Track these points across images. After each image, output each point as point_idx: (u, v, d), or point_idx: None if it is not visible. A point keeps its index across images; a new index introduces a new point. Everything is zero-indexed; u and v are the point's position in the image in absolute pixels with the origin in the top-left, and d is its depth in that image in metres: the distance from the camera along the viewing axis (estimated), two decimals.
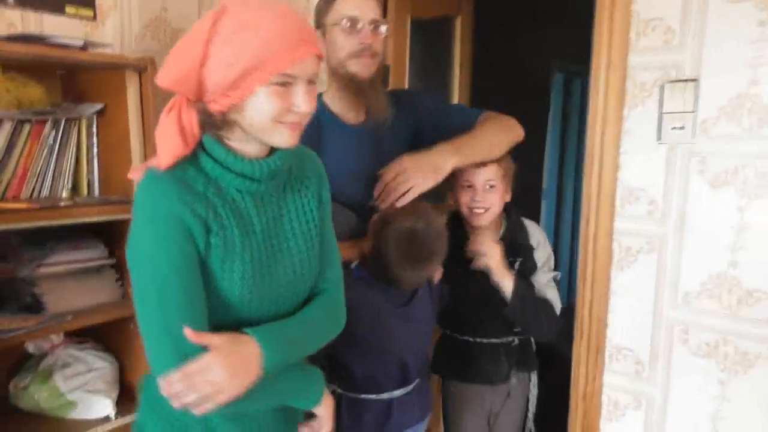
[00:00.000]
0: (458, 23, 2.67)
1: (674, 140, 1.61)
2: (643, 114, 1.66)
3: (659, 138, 1.63)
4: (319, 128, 1.53)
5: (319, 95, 1.62)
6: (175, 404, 0.94)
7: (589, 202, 1.76)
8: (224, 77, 0.91)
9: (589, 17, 1.74)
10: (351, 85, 1.51)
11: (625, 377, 1.74)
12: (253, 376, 0.97)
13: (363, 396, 1.49)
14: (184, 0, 1.95)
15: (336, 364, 1.47)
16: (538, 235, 1.70)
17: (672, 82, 1.60)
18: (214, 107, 0.95)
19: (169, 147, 0.95)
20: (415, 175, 1.49)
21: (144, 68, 1.57)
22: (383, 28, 1.51)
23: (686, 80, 1.58)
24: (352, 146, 1.55)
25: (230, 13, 0.91)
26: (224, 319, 0.99)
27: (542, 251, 1.68)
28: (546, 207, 4.16)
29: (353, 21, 1.47)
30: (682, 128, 1.60)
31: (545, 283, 1.67)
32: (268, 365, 0.98)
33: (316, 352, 1.14)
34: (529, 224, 1.72)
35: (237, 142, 1.00)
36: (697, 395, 1.62)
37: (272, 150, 1.04)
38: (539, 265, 1.66)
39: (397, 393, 1.51)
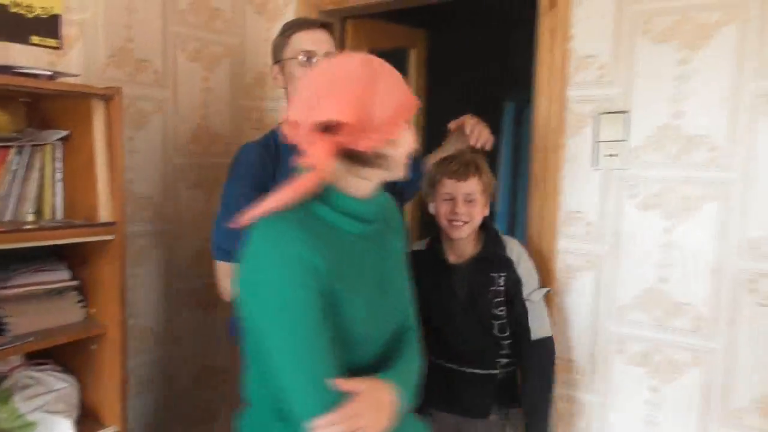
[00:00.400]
0: (413, 54, 2.81)
1: (608, 166, 1.75)
2: (580, 142, 1.80)
3: (595, 164, 1.78)
4: (278, 156, 1.63)
5: (278, 126, 1.72)
6: None
7: (533, 223, 1.89)
8: (388, 115, 0.99)
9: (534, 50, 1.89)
10: None
11: (568, 387, 1.85)
12: (392, 419, 1.01)
13: None
14: (148, 33, 2.02)
15: None
16: (517, 250, 1.70)
17: (606, 113, 1.75)
18: (367, 144, 0.99)
19: (313, 182, 0.99)
20: (484, 127, 1.70)
21: (111, 97, 1.63)
22: None
23: (618, 112, 1.73)
24: None
25: (378, 61, 1.03)
26: (344, 359, 1.01)
27: (525, 266, 1.69)
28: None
29: (309, 54, 1.58)
30: (615, 156, 1.75)
31: (538, 301, 1.67)
32: (401, 407, 1.03)
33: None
34: (508, 239, 1.73)
35: (361, 181, 1.05)
36: (632, 402, 1.75)
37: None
38: (524, 280, 1.67)
39: None
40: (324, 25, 1.64)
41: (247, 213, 1.01)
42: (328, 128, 0.97)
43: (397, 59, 2.80)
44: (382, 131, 0.99)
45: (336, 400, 0.95)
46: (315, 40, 1.60)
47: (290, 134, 1.04)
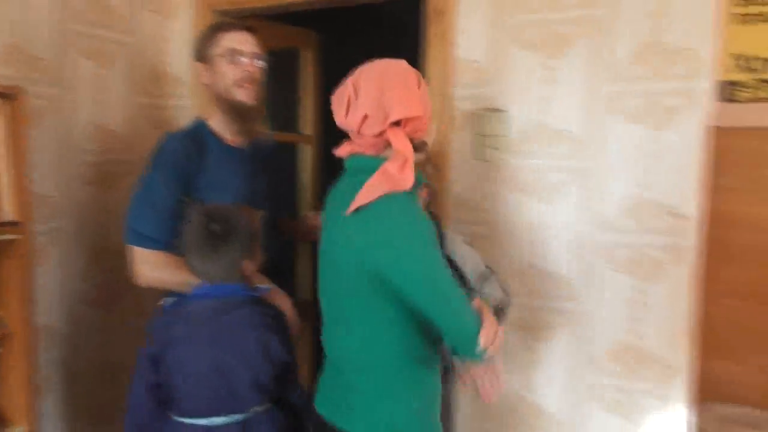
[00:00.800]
0: (305, 55, 2.94)
1: (491, 158, 2.00)
2: (466, 136, 2.03)
3: (479, 156, 2.01)
4: (203, 147, 1.70)
5: (203, 120, 1.79)
6: (492, 350, 1.20)
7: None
8: (429, 108, 1.28)
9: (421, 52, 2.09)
10: (235, 110, 1.70)
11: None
12: None
13: (178, 418, 1.47)
14: (41, 29, 1.97)
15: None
16: (460, 249, 1.70)
17: (488, 110, 1.99)
18: (420, 133, 1.27)
19: (411, 166, 1.21)
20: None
21: (15, 96, 1.61)
22: (260, 62, 1.73)
23: (498, 110, 1.98)
24: (231, 164, 1.74)
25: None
26: None
27: (473, 262, 1.70)
28: None
29: (238, 53, 1.68)
30: (497, 148, 1.99)
31: (491, 292, 1.69)
32: None
33: None
34: (451, 237, 1.72)
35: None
36: (514, 359, 2.02)
37: None
38: (474, 277, 1.68)
39: (218, 420, 1.44)
40: (249, 29, 1.74)
41: (361, 198, 1.19)
42: (398, 122, 1.22)
43: (289, 59, 2.91)
44: (427, 122, 1.28)
45: (479, 317, 1.21)
46: (242, 40, 1.70)
47: (356, 125, 1.22)
